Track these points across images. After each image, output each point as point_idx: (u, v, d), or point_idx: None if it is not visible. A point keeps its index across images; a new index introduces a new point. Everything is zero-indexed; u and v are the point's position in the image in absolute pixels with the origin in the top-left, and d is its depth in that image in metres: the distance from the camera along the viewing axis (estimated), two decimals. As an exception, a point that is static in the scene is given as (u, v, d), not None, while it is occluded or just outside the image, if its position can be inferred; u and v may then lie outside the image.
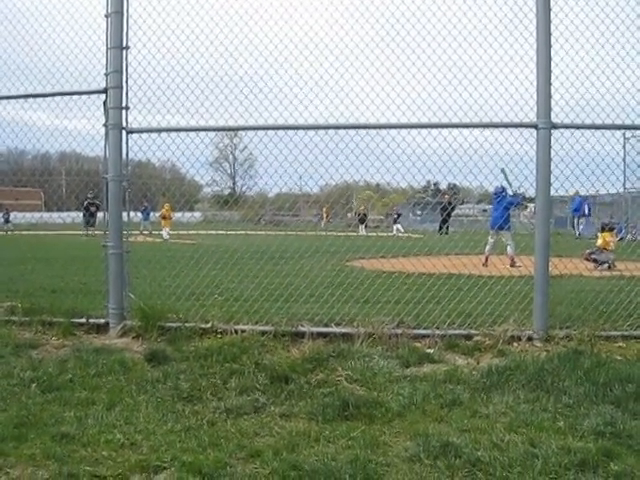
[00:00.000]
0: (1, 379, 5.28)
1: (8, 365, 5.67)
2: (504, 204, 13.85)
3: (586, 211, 26.91)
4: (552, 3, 6.60)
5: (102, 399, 4.88)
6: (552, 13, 6.60)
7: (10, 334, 6.65)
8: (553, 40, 6.60)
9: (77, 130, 7.81)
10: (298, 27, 6.89)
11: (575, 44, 6.74)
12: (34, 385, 5.15)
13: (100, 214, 7.29)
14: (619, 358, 5.96)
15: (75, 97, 7.47)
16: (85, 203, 14.47)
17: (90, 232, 17.48)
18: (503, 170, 7.32)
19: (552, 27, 6.59)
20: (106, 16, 6.99)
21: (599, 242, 15.74)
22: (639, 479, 3.55)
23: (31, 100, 7.72)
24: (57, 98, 7.58)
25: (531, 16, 6.65)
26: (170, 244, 21.29)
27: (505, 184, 9.61)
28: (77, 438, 4.13)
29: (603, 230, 16.24)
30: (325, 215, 18.35)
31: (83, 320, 7.12)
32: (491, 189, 12.76)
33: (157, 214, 24.88)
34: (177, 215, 21.50)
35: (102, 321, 7.08)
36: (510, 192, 10.93)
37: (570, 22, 6.73)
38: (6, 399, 4.87)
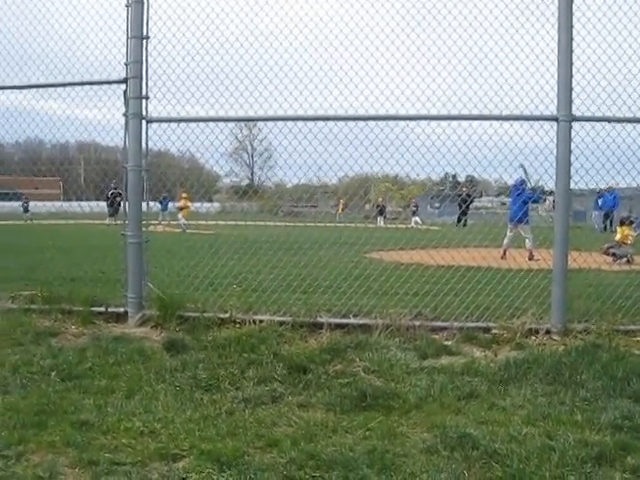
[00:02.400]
0: (21, 367, 5.32)
1: (28, 353, 5.72)
2: (523, 198, 13.77)
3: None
4: (574, -5, 6.56)
5: (121, 387, 4.91)
6: (574, 5, 6.56)
7: (30, 322, 6.71)
8: (575, 32, 6.56)
9: (97, 120, 7.87)
10: (318, 18, 6.89)
11: (597, 36, 6.69)
12: (54, 373, 5.19)
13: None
14: (637, 352, 5.93)
15: (95, 87, 7.50)
16: (109, 193, 14.45)
17: (114, 222, 17.45)
18: (522, 166, 7.27)
19: (574, 19, 6.55)
20: (127, 6, 7.03)
21: (618, 236, 15.65)
22: (657, 473, 3.54)
23: (51, 89, 7.75)
24: (77, 87, 7.61)
25: (553, 8, 6.61)
26: (189, 234, 21.37)
27: (525, 177, 9.55)
28: (97, 426, 4.17)
29: (622, 224, 16.14)
30: (341, 207, 18.32)
31: (102, 309, 7.18)
32: (510, 182, 12.70)
33: (176, 204, 24.87)
34: (196, 205, 21.54)
35: (121, 310, 7.13)
36: (529, 185, 10.87)
37: (592, 14, 6.68)
38: (26, 387, 4.91)
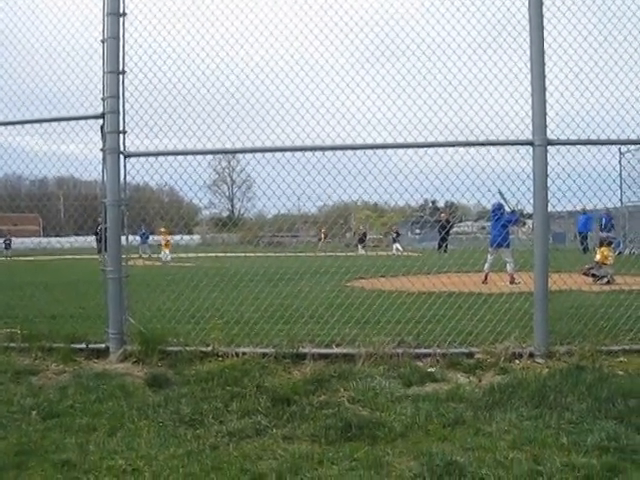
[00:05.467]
0: (1, 406, 5.24)
1: (8, 392, 5.65)
2: (502, 221, 13.85)
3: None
4: (545, 21, 6.64)
5: (103, 425, 4.84)
6: (545, 31, 6.65)
7: (9, 361, 6.64)
8: (547, 57, 6.65)
9: (74, 155, 7.84)
10: (294, 49, 6.93)
11: (569, 61, 6.79)
12: (34, 412, 5.11)
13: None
14: (621, 373, 5.96)
15: (72, 122, 7.49)
16: (97, 228, 14.37)
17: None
18: (500, 191, 7.31)
19: (545, 45, 6.64)
20: (102, 41, 7.04)
21: (598, 257, 15.75)
22: (644, 495, 3.53)
23: (28, 126, 7.73)
24: (54, 123, 7.59)
25: (525, 34, 6.69)
26: (169, 267, 21.27)
27: (503, 202, 9.61)
28: (78, 465, 4.09)
29: (601, 245, 16.25)
30: (323, 236, 18.39)
31: (83, 345, 7.11)
32: (489, 206, 12.77)
33: (156, 237, 24.79)
34: (175, 238, 21.52)
35: (102, 346, 7.07)
36: (508, 209, 10.93)
37: (563, 39, 6.78)
38: (6, 427, 4.83)
